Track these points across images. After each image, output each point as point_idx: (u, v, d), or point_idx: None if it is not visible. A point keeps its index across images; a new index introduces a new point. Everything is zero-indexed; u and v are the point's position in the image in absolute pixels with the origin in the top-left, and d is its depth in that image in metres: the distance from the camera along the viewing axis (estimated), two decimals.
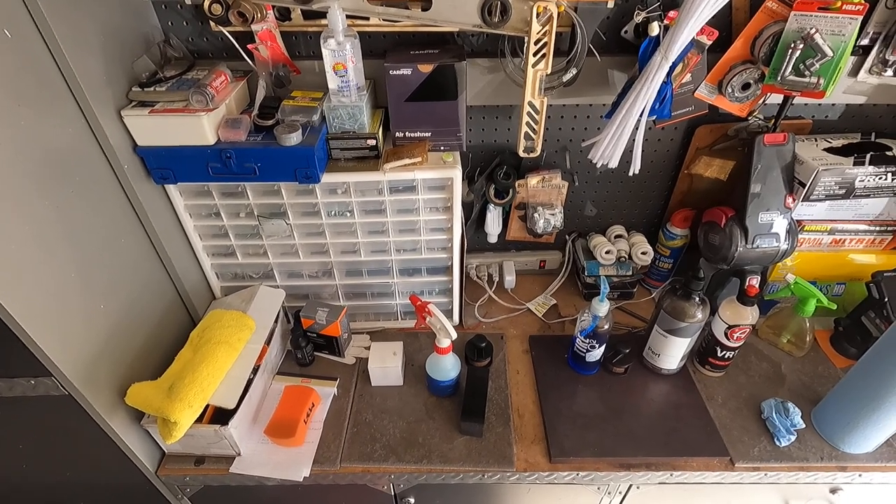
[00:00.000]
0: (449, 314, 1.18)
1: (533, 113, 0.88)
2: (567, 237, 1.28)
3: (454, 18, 0.82)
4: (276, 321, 1.05)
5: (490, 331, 1.19)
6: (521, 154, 0.94)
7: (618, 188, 1.18)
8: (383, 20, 0.85)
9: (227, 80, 0.87)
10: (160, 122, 0.81)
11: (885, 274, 1.01)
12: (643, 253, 1.17)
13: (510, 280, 1.25)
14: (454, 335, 0.93)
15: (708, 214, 1.09)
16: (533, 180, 1.11)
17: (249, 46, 0.87)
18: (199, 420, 0.85)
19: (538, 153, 0.93)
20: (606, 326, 0.98)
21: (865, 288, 1.03)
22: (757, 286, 0.98)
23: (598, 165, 0.93)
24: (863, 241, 1.09)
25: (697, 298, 0.94)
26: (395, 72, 0.87)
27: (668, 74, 0.86)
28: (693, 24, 0.79)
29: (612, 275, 1.20)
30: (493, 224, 1.19)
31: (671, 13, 0.84)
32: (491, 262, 1.29)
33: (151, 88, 0.83)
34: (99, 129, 0.77)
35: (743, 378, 1.06)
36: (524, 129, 0.90)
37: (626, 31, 0.93)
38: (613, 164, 0.92)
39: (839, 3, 0.79)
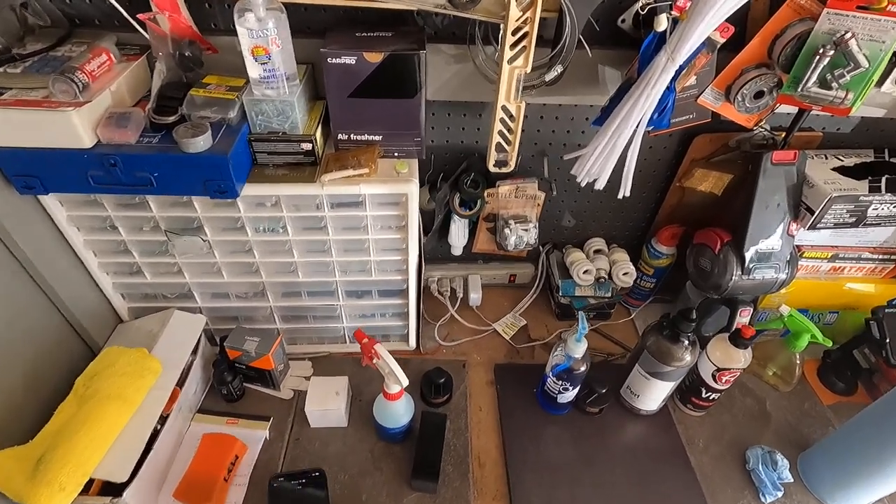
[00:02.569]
0: (405, 338, 1.03)
1: (507, 120, 0.71)
2: (541, 248, 1.14)
3: None
4: (194, 352, 0.88)
5: (451, 357, 1.05)
6: (492, 168, 0.77)
7: (600, 198, 1.04)
8: None
9: (110, 61, 0.66)
10: (12, 118, 0.60)
11: (885, 310, 0.91)
12: (625, 274, 1.04)
13: (475, 298, 1.11)
14: (405, 382, 0.79)
15: (700, 236, 0.96)
16: (505, 189, 0.95)
17: (141, 16, 0.66)
18: (86, 489, 0.68)
19: (512, 167, 0.77)
20: (582, 369, 0.85)
21: (865, 324, 0.93)
22: (749, 322, 0.86)
23: (583, 184, 0.78)
24: (863, 269, 0.99)
25: (687, 341, 0.82)
26: (334, 59, 0.68)
27: (673, 79, 0.70)
28: (710, 20, 0.63)
29: (589, 295, 1.07)
30: (457, 236, 1.03)
31: (680, 1, 0.68)
32: (454, 276, 1.14)
33: (2, 69, 0.62)
34: None
35: (726, 417, 0.97)
36: (496, 138, 0.73)
37: (623, 20, 0.76)
38: (601, 183, 0.77)
39: (885, 3, 0.64)
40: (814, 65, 0.70)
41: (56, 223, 0.76)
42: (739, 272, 0.89)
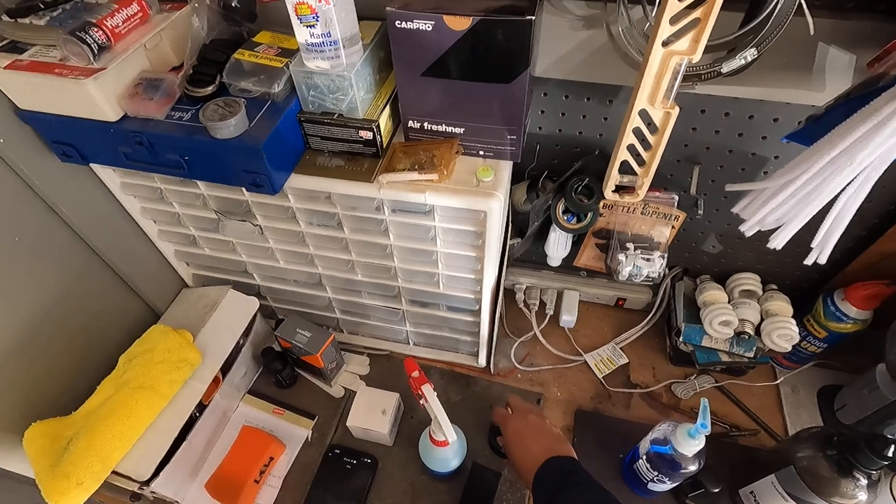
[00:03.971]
0: (474, 354, 0.88)
1: (644, 131, 0.47)
2: (666, 271, 0.88)
3: None
4: (245, 334, 0.82)
5: (525, 384, 0.88)
6: (609, 196, 0.54)
7: None
8: None
9: (143, 13, 0.54)
10: (31, 81, 0.51)
11: None
12: (781, 336, 0.75)
13: (568, 320, 0.90)
14: (452, 437, 0.64)
15: None
16: (629, 202, 0.71)
17: None
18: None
19: (640, 196, 0.53)
20: (692, 468, 0.63)
21: None
22: None
23: (749, 233, 0.52)
24: None
25: (865, 479, 0.56)
26: (404, 23, 0.48)
27: None
28: None
29: (722, 349, 0.81)
30: (556, 246, 0.81)
31: None
32: (548, 287, 0.94)
33: (27, 20, 0.52)
34: None
35: None
36: (622, 154, 0.49)
37: None
38: (782, 239, 0.50)
39: None
40: None
41: (111, 191, 0.70)
42: None
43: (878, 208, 0.68)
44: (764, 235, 0.50)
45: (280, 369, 0.83)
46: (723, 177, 0.69)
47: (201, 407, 0.74)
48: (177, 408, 0.70)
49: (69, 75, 0.49)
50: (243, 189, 0.64)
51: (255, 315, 0.82)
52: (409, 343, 0.91)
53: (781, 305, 0.78)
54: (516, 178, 0.78)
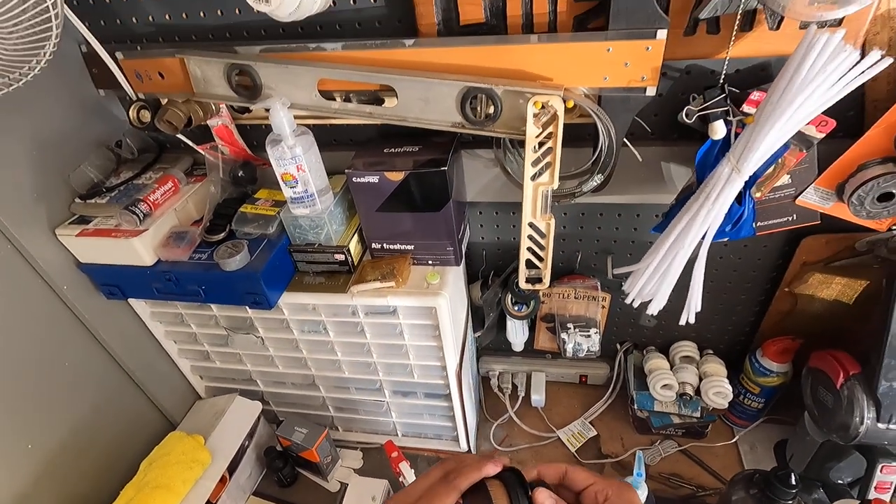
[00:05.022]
0: (455, 439, 0.97)
1: (536, 236, 0.64)
2: (618, 346, 1.00)
3: (426, 116, 0.61)
4: (249, 436, 0.92)
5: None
6: (524, 286, 0.70)
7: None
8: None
9: (175, 187, 0.75)
10: (95, 244, 0.70)
11: None
12: (717, 393, 0.85)
13: (538, 399, 1.01)
14: None
15: (817, 359, 0.75)
16: (563, 289, 0.86)
17: (200, 148, 0.74)
18: None
19: (547, 284, 0.69)
20: None
21: None
22: (890, 500, 0.64)
23: (635, 305, 0.66)
24: None
25: None
26: (358, 179, 0.68)
27: (747, 187, 0.57)
28: (785, 126, 0.50)
29: (672, 412, 0.90)
30: (514, 333, 0.95)
31: (751, 100, 0.55)
32: (517, 371, 1.05)
33: (93, 200, 0.73)
34: (28, 251, 0.68)
35: None
36: (525, 254, 0.66)
37: (686, 115, 0.64)
38: (657, 304, 0.65)
39: None
40: None
41: (142, 319, 0.86)
42: (874, 418, 0.67)
43: (764, 274, 0.82)
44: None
45: (281, 467, 0.93)
46: (634, 262, 0.85)
47: None
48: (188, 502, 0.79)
49: (121, 236, 0.68)
50: (247, 307, 0.80)
51: (258, 417, 0.94)
52: (397, 434, 1.01)
53: (716, 367, 0.89)
54: (473, 279, 0.94)
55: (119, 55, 0.67)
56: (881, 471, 0.72)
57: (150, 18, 0.70)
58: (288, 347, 0.88)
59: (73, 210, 0.74)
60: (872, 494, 0.73)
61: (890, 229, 0.67)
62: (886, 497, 0.72)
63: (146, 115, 0.67)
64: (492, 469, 0.41)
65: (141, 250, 0.70)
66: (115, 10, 0.70)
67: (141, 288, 0.76)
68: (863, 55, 0.46)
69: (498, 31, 0.59)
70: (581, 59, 0.55)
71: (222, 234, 0.74)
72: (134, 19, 0.70)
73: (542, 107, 0.55)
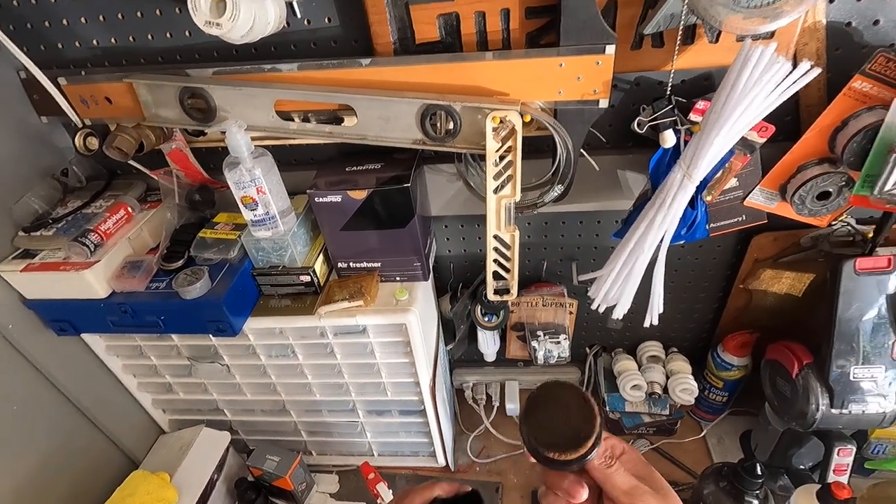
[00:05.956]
0: (432, 454, 0.96)
1: (502, 248, 0.65)
2: (587, 350, 1.02)
3: (386, 134, 0.61)
4: (218, 469, 0.89)
5: (485, 476, 0.95)
6: (492, 297, 0.70)
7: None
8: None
9: (128, 215, 0.72)
10: (40, 278, 0.67)
11: None
12: (683, 390, 0.88)
13: (512, 408, 1.01)
14: None
15: (773, 351, 0.79)
16: (531, 298, 0.87)
17: (154, 173, 0.72)
18: None
19: (514, 294, 0.70)
20: None
21: None
22: (847, 481, 0.67)
23: (600, 310, 0.68)
24: None
25: (755, 500, 0.66)
26: (320, 199, 0.67)
27: (699, 192, 0.59)
28: (729, 132, 0.52)
29: (643, 412, 0.92)
30: (486, 343, 0.95)
31: (696, 108, 0.58)
32: (490, 381, 1.06)
33: (38, 233, 0.70)
34: None
35: None
36: (491, 266, 0.66)
37: (639, 124, 0.67)
38: (622, 308, 0.66)
39: None
40: (891, 164, 0.55)
41: (96, 354, 0.82)
42: (828, 403, 0.71)
43: (720, 272, 0.86)
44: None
45: (254, 498, 0.89)
46: (597, 268, 0.87)
47: None
48: None
49: (71, 269, 0.65)
50: (210, 335, 0.78)
51: (227, 447, 0.90)
52: (373, 454, 0.99)
53: (681, 364, 0.92)
54: (442, 292, 0.94)
55: (62, 81, 0.64)
56: (838, 454, 0.76)
57: (95, 42, 0.67)
58: (255, 374, 0.85)
59: (16, 244, 0.70)
60: (832, 477, 0.76)
61: (830, 225, 0.72)
62: (843, 479, 0.76)
63: (94, 143, 0.65)
64: (445, 488, 0.41)
65: (93, 282, 0.66)
66: (56, 35, 0.67)
67: (95, 322, 0.72)
68: (794, 65, 0.50)
69: (454, 49, 0.60)
70: (535, 74, 0.56)
71: (181, 262, 0.71)
72: (77, 43, 0.68)
73: (501, 121, 0.56)
